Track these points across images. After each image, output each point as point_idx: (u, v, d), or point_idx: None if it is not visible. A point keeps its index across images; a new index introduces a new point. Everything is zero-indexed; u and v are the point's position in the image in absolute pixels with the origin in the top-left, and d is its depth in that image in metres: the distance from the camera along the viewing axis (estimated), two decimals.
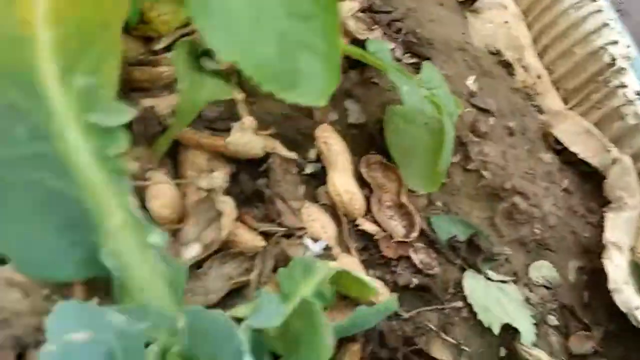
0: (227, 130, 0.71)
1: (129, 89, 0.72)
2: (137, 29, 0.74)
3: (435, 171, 0.79)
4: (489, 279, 0.81)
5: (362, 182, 0.81)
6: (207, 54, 0.72)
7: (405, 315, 0.75)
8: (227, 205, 0.64)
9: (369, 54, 0.80)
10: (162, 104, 0.70)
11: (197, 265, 0.65)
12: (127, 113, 0.54)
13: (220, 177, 0.62)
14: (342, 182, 0.77)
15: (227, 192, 0.69)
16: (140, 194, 0.63)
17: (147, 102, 0.69)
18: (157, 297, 0.56)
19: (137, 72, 0.72)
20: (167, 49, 0.77)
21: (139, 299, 0.55)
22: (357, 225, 0.78)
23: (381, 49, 0.85)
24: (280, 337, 0.54)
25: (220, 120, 0.71)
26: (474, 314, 0.78)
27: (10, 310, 0.53)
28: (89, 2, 0.53)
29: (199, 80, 0.68)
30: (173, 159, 0.69)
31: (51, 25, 0.51)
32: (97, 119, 0.53)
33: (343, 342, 0.69)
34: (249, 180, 0.73)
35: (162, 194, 0.64)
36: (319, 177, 0.79)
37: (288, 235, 0.71)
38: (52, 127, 0.51)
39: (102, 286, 0.57)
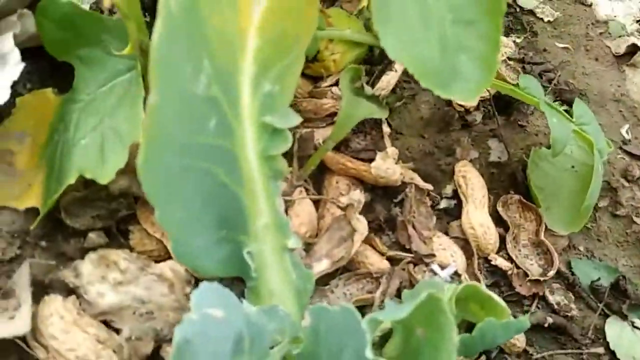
0: (371, 160, 0.77)
1: None
2: (310, 67, 0.84)
3: (579, 210, 0.77)
4: (635, 327, 0.76)
5: (498, 221, 0.82)
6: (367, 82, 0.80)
7: (537, 355, 0.74)
8: (361, 224, 0.69)
9: (520, 88, 0.81)
10: (320, 132, 0.77)
11: (324, 283, 0.71)
12: (296, 118, 0.60)
13: (358, 195, 0.68)
14: (477, 215, 0.78)
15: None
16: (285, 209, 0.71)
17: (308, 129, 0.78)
18: (285, 302, 0.60)
19: (305, 103, 0.81)
20: (333, 85, 0.86)
21: (268, 302, 0.60)
22: (489, 261, 0.78)
23: (533, 85, 0.83)
24: (402, 338, 0.56)
25: (365, 151, 0.78)
26: None
27: (155, 303, 0.61)
28: (291, 16, 0.60)
29: (358, 100, 0.75)
30: (318, 184, 0.77)
31: (260, 34, 0.59)
32: (272, 121, 0.58)
33: None
34: (383, 209, 0.78)
35: (303, 212, 0.71)
36: (453, 214, 0.82)
37: (416, 263, 0.74)
38: (236, 123, 0.56)
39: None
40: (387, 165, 0.73)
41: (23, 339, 0.54)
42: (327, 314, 0.54)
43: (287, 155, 0.70)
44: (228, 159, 0.55)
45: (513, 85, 0.83)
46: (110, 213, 0.65)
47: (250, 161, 0.56)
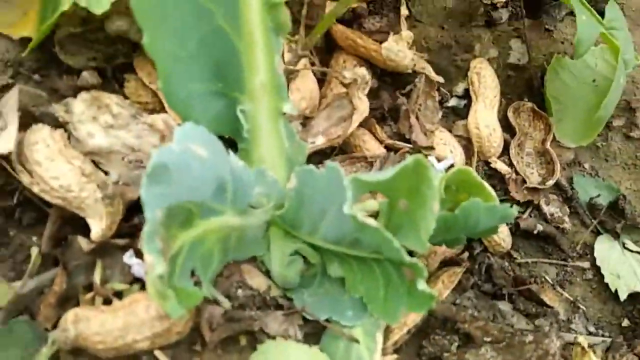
0: (383, 42, 0.74)
1: None
2: None
3: (590, 122, 0.75)
4: (626, 248, 0.75)
5: (507, 128, 0.79)
6: None
7: (520, 260, 0.73)
8: (362, 103, 0.67)
9: None
10: (332, 4, 0.73)
11: (318, 161, 0.70)
12: None
13: (363, 71, 0.65)
14: (485, 115, 0.76)
15: None
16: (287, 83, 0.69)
17: None
18: (274, 169, 0.60)
19: None
20: None
21: (257, 167, 0.59)
22: (488, 164, 0.77)
23: None
24: (386, 215, 0.55)
25: (379, 32, 0.74)
26: (600, 277, 0.73)
27: (145, 153, 0.60)
28: None
29: None
30: (325, 62, 0.75)
31: None
32: None
33: (446, 265, 0.69)
34: (389, 98, 0.75)
35: (305, 87, 0.69)
36: (461, 114, 0.79)
37: (413, 154, 0.72)
38: None
39: None
40: (399, 48, 0.70)
41: (8, 162, 0.54)
42: (312, 176, 0.54)
43: (295, 22, 0.67)
44: (230, 5, 0.53)
45: None
46: (107, 57, 0.63)
47: (252, 7, 0.54)
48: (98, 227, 0.57)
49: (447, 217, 0.53)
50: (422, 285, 0.48)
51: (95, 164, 0.60)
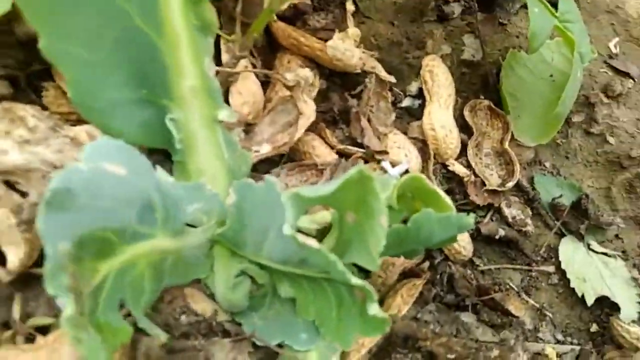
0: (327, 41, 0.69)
1: None
2: None
3: (549, 118, 0.71)
4: (591, 249, 0.72)
5: (463, 127, 0.76)
6: None
7: (483, 267, 0.69)
8: (308, 107, 0.62)
9: None
10: None
11: (265, 170, 0.64)
12: None
13: (307, 73, 0.60)
14: (440, 116, 0.72)
15: (316, 108, 0.67)
16: (226, 87, 0.63)
17: None
18: (215, 183, 0.54)
19: None
20: None
21: (195, 180, 0.54)
22: (446, 167, 0.72)
23: None
24: (337, 230, 0.51)
25: (324, 30, 0.69)
26: (566, 281, 0.70)
27: None
28: None
29: None
30: (268, 64, 0.69)
31: None
32: None
33: (405, 277, 0.65)
34: (340, 100, 0.70)
35: (246, 90, 0.63)
36: (415, 115, 0.75)
37: (366, 159, 0.67)
38: None
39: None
40: (345, 47, 0.65)
41: None
42: (251, 191, 0.49)
43: (231, 20, 0.62)
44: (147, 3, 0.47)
45: None
46: (20, 64, 0.57)
47: (172, 4, 0.48)
48: (15, 256, 0.51)
49: (399, 230, 0.48)
50: (373, 309, 0.44)
51: (10, 185, 0.53)
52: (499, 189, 0.71)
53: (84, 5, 0.43)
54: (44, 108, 0.57)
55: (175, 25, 0.48)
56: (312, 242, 0.42)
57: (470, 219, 0.50)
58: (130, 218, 0.43)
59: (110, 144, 0.42)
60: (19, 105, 0.54)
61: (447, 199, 0.51)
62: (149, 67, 0.49)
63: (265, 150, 0.62)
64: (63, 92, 0.57)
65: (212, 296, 0.57)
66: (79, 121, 0.58)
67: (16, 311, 0.51)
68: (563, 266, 0.70)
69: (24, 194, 0.53)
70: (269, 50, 0.69)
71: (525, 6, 0.80)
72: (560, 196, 0.73)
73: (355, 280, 0.42)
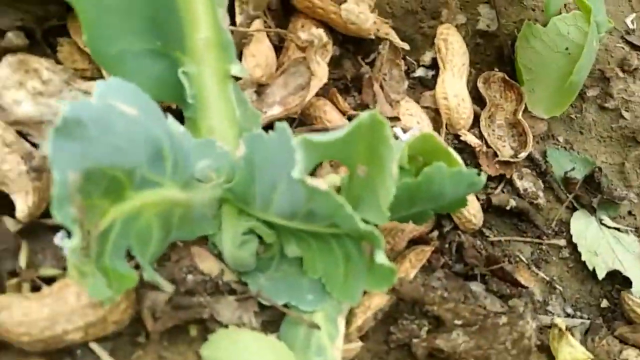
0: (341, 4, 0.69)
1: None
2: None
3: (563, 90, 0.70)
4: (603, 224, 0.71)
5: (477, 99, 0.75)
6: None
7: (493, 238, 0.69)
8: (321, 68, 0.62)
9: None
10: None
11: None
12: None
13: (320, 32, 0.60)
14: (453, 85, 0.71)
15: (328, 75, 0.67)
16: (240, 49, 0.63)
17: None
18: (225, 138, 0.54)
19: None
20: None
21: (206, 137, 0.54)
22: (458, 137, 0.72)
23: None
24: (347, 187, 0.50)
25: None
26: (577, 255, 0.69)
27: None
28: None
29: None
30: (281, 27, 0.69)
31: None
32: None
33: (415, 244, 0.65)
34: (352, 67, 0.70)
35: (259, 52, 0.63)
36: (428, 85, 0.75)
37: None
38: None
39: None
40: (360, 10, 0.65)
41: None
42: (262, 142, 0.48)
43: None
44: None
45: None
46: (37, 19, 0.57)
47: None
48: (24, 204, 0.51)
49: (409, 185, 0.48)
50: (380, 257, 0.43)
51: (22, 135, 0.53)
52: (511, 160, 0.70)
53: None
54: (59, 63, 0.57)
55: None
56: (320, 184, 0.42)
57: (482, 177, 0.49)
58: (141, 162, 0.43)
59: (123, 85, 0.42)
60: (34, 58, 0.54)
61: (458, 157, 0.51)
62: (164, 17, 0.49)
63: (276, 112, 0.62)
64: (78, 48, 0.58)
65: (218, 256, 0.57)
66: (93, 78, 0.59)
67: (23, 259, 0.51)
68: (574, 240, 0.69)
69: (35, 145, 0.54)
70: (282, 15, 0.69)
71: None
72: (573, 169, 0.72)
73: (363, 225, 0.42)
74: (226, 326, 0.53)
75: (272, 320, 0.55)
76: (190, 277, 0.54)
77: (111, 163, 0.39)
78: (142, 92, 0.44)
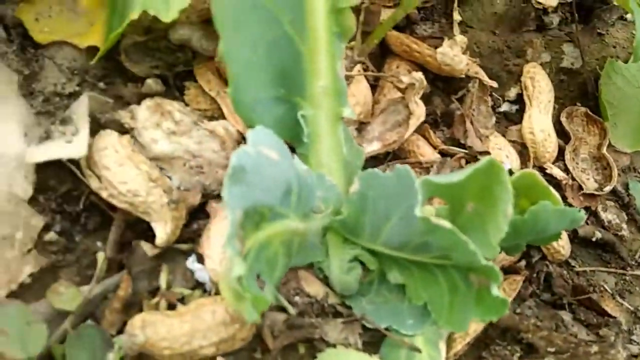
0: (437, 48, 0.74)
1: None
2: None
3: None
4: None
5: (560, 133, 0.79)
6: None
7: (578, 268, 0.72)
8: (419, 108, 0.67)
9: None
10: (387, 13, 0.72)
11: (372, 167, 0.69)
12: None
13: (420, 75, 0.65)
14: (540, 120, 0.75)
15: None
16: None
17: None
18: (332, 173, 0.60)
19: None
20: None
21: (316, 171, 0.58)
22: (544, 170, 0.76)
23: None
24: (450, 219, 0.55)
25: (431, 38, 0.74)
26: None
27: (206, 159, 0.61)
28: None
29: None
30: (378, 68, 0.74)
31: None
32: None
33: (505, 272, 0.68)
34: (442, 103, 0.75)
35: (359, 92, 0.69)
36: (513, 119, 0.79)
37: (468, 160, 0.71)
38: None
39: None
40: (454, 53, 0.70)
41: (77, 166, 0.55)
42: (377, 179, 0.53)
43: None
44: (295, 5, 0.54)
45: None
46: (169, 65, 0.64)
47: (318, 13, 0.54)
48: (163, 232, 0.57)
49: (516, 221, 0.52)
50: (495, 290, 0.47)
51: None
52: (596, 193, 0.73)
53: (252, 14, 0.50)
54: (186, 105, 0.64)
55: (317, 32, 0.55)
56: (445, 223, 0.46)
57: (582, 214, 0.53)
58: (276, 198, 0.49)
59: (265, 132, 0.48)
60: (167, 101, 0.61)
61: (557, 195, 0.55)
62: (290, 68, 0.55)
63: (375, 147, 0.68)
64: (202, 91, 0.64)
65: (323, 280, 0.62)
66: (214, 117, 0.66)
67: (163, 280, 0.58)
68: None
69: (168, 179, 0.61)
70: (379, 55, 0.74)
71: (622, 17, 0.83)
72: None
73: (484, 262, 0.47)
74: (333, 346, 0.57)
75: (372, 341, 0.60)
76: (298, 299, 0.59)
77: (262, 202, 0.45)
78: (277, 137, 0.50)
